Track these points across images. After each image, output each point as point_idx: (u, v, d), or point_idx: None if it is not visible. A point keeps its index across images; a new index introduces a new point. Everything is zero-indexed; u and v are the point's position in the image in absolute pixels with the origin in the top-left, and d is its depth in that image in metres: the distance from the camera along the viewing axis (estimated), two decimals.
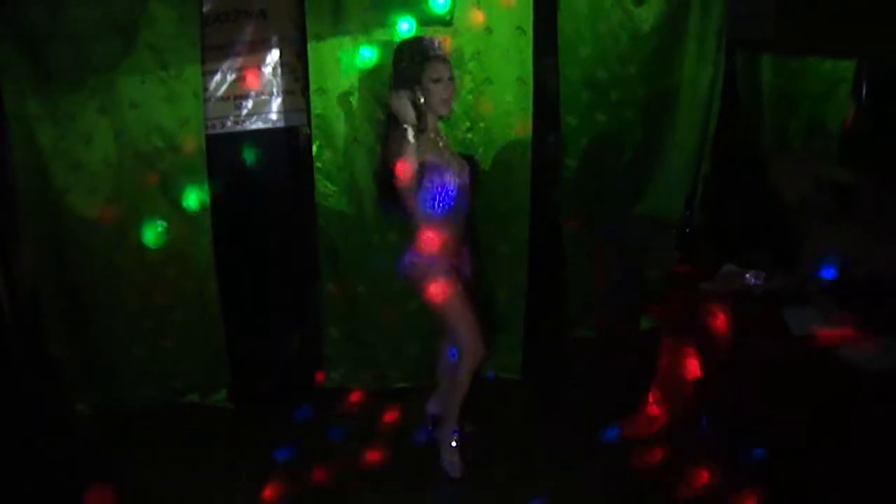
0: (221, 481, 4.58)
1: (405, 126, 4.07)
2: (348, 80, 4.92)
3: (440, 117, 4.33)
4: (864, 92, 5.89)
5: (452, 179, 4.23)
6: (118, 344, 5.23)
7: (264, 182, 5.32)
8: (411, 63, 4.16)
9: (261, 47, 5.14)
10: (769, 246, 4.74)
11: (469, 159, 4.53)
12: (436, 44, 4.21)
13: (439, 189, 4.19)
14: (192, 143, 4.97)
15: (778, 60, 5.87)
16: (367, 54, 4.81)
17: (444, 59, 4.21)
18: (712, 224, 5.15)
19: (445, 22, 4.92)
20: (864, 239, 4.16)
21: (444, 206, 4.22)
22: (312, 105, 4.96)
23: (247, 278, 5.44)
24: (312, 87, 4.93)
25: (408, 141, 4.05)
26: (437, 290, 4.25)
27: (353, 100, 4.94)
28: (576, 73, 5.25)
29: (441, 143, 4.35)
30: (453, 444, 4.56)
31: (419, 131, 4.14)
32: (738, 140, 5.70)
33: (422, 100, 4.16)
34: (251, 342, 5.42)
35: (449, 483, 4.52)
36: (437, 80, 4.17)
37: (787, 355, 3.95)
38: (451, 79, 4.24)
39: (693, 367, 4.52)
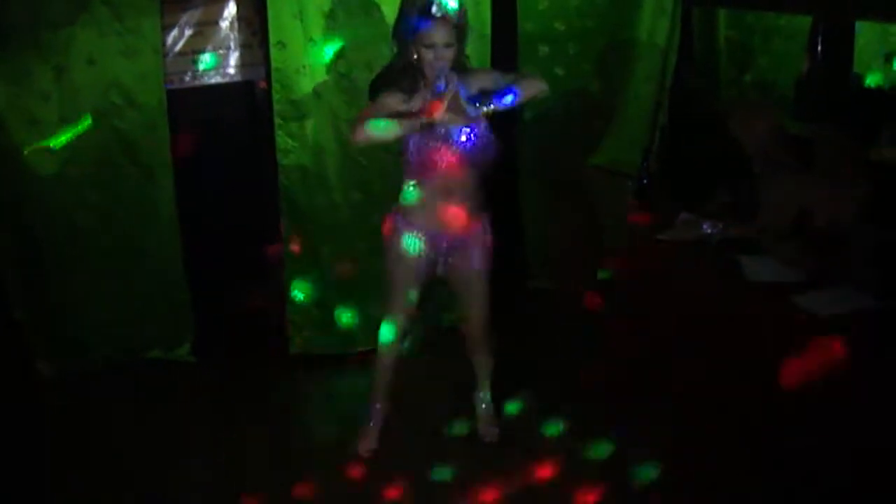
0: (187, 436, 4.62)
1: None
2: (307, 33, 4.90)
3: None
4: (818, 46, 5.97)
5: (434, 137, 3.93)
6: (80, 302, 5.19)
7: (225, 138, 5.31)
8: (407, 20, 3.90)
9: (218, 1, 5.12)
10: (726, 195, 4.81)
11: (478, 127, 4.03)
12: (437, 5, 3.84)
13: (413, 144, 3.94)
14: (151, 98, 4.93)
15: (734, 14, 5.92)
16: (325, 6, 4.79)
17: (443, 21, 3.85)
18: (669, 174, 5.20)
19: None
20: (821, 188, 4.23)
21: (419, 164, 3.99)
22: (272, 59, 4.90)
23: (209, 235, 5.39)
24: (272, 40, 4.86)
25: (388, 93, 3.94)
26: (389, 253, 4.19)
27: (313, 53, 4.91)
28: (533, 26, 5.27)
29: (438, 98, 3.87)
30: (371, 423, 4.50)
31: (407, 90, 3.95)
32: (694, 92, 5.76)
33: (416, 57, 3.91)
34: (214, 298, 5.42)
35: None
36: (428, 46, 3.86)
37: (742, 302, 4.03)
38: (449, 45, 3.88)
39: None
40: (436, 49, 3.85)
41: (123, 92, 4.92)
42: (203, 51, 5.13)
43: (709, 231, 4.49)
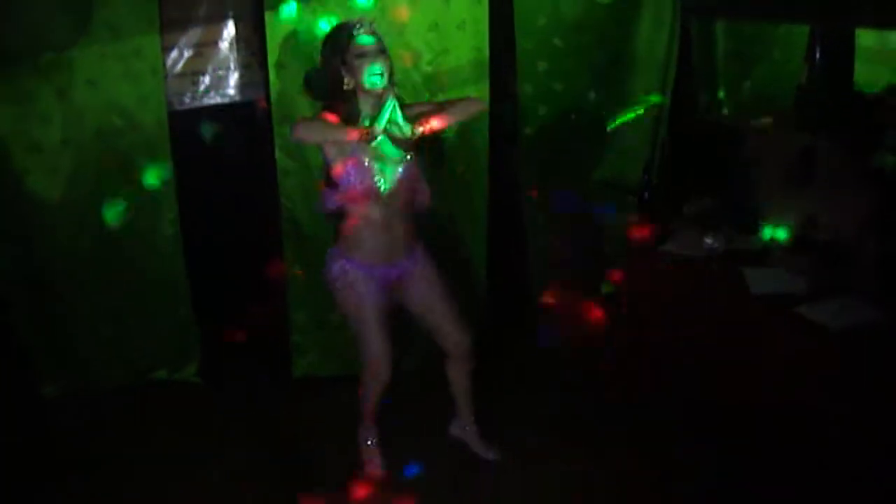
0: (193, 458, 4.62)
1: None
2: (307, 53, 4.90)
3: (402, 103, 4.04)
4: (817, 55, 5.96)
5: (372, 172, 3.99)
6: (85, 324, 5.21)
7: (227, 158, 5.32)
8: (336, 43, 3.97)
9: (218, 23, 5.15)
10: (728, 208, 4.81)
11: (409, 163, 4.10)
12: (361, 23, 3.98)
13: (352, 181, 3.98)
14: (152, 120, 4.95)
15: (732, 25, 5.92)
16: (325, 26, 4.80)
17: (371, 34, 3.97)
18: (670, 187, 5.20)
19: None
20: (823, 199, 4.23)
21: (358, 201, 4.03)
22: (272, 80, 4.93)
23: (212, 256, 5.42)
24: (271, 61, 4.89)
25: (327, 113, 3.97)
26: (348, 298, 4.18)
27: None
28: (532, 42, 5.26)
29: (377, 132, 3.93)
30: (368, 442, 4.55)
31: (346, 120, 3.95)
32: (694, 104, 5.75)
33: (350, 84, 3.93)
34: (218, 319, 5.44)
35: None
36: (361, 55, 3.90)
37: (748, 314, 4.02)
38: (381, 52, 3.95)
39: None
40: (369, 57, 3.90)
41: (124, 114, 4.94)
42: (203, 72, 5.14)
43: (711, 244, 4.49)
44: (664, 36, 5.43)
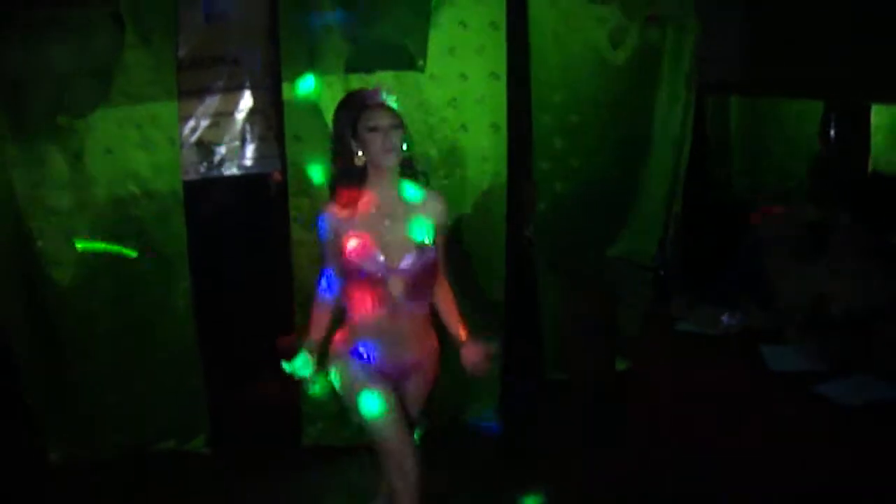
0: None
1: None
2: (324, 127, 4.92)
3: (404, 173, 3.65)
4: (831, 131, 5.99)
5: (378, 265, 3.55)
6: (94, 391, 5.16)
7: (241, 228, 5.33)
8: (348, 114, 3.57)
9: (235, 93, 5.18)
10: (744, 285, 4.79)
11: (423, 249, 3.62)
12: (375, 93, 3.60)
13: (355, 274, 3.58)
14: (166, 189, 4.96)
15: (746, 102, 5.96)
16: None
17: (382, 107, 3.55)
18: (686, 264, 5.19)
19: (419, 68, 4.96)
20: (838, 276, 4.21)
21: (363, 299, 3.61)
22: (288, 152, 4.96)
23: (224, 325, 5.42)
24: (287, 133, 4.94)
25: (324, 212, 3.64)
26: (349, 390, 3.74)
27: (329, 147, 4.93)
28: (548, 118, 5.30)
29: (386, 219, 3.61)
30: None
31: (347, 206, 3.58)
32: (709, 180, 5.77)
33: (360, 154, 3.52)
34: (229, 390, 5.41)
35: None
36: (373, 129, 3.49)
37: (767, 392, 3.99)
38: (396, 127, 3.52)
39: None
40: (381, 132, 3.50)
41: (139, 182, 4.96)
42: (219, 142, 5.16)
43: (728, 321, 4.46)
44: (679, 112, 5.47)
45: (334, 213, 3.60)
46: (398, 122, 3.56)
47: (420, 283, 3.65)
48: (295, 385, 5.20)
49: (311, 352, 3.81)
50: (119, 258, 4.99)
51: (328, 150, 3.75)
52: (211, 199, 5.23)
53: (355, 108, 3.57)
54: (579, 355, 5.61)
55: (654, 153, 5.54)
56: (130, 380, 5.20)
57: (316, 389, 4.01)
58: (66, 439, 5.24)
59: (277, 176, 5.22)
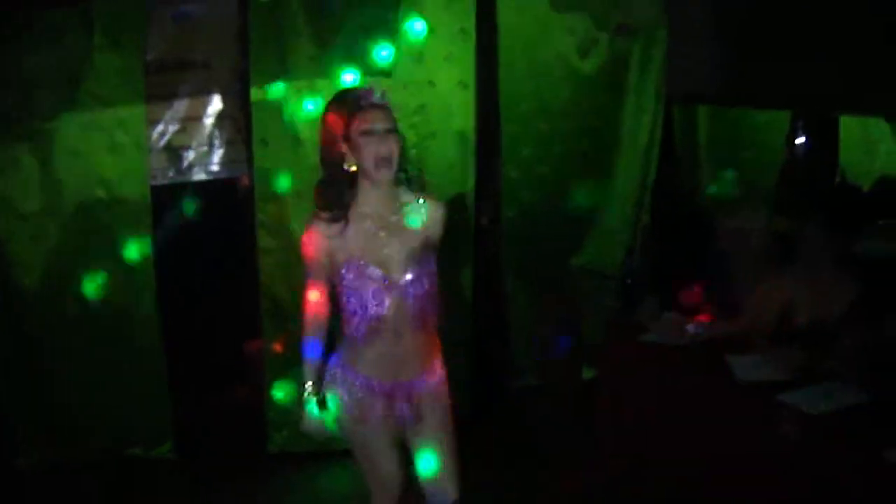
0: None
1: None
2: (291, 132, 4.93)
3: (398, 179, 3.27)
4: (800, 140, 6.03)
5: (378, 283, 3.22)
6: (63, 397, 5.15)
7: (208, 234, 5.31)
8: (338, 115, 3.19)
9: (204, 97, 5.15)
10: (712, 294, 4.80)
11: (423, 262, 3.31)
12: (369, 92, 3.21)
13: (354, 297, 3.24)
14: (134, 194, 4.95)
15: (714, 111, 5.99)
16: (310, 105, 4.84)
17: (377, 108, 3.18)
18: (653, 273, 5.20)
19: (386, 74, 4.94)
20: (805, 286, 4.23)
21: (361, 317, 3.24)
22: (255, 157, 4.96)
23: (191, 331, 5.39)
24: (255, 138, 4.94)
25: (311, 226, 3.26)
26: (351, 427, 3.41)
27: (297, 152, 4.94)
28: (517, 127, 5.32)
29: (382, 232, 3.26)
30: None
31: (337, 219, 3.22)
32: (676, 189, 5.78)
33: (353, 166, 3.17)
34: (195, 396, 5.37)
35: None
36: (367, 133, 3.12)
37: (731, 401, 4.00)
38: (391, 131, 3.17)
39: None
40: (375, 136, 3.14)
41: (107, 186, 4.95)
42: (188, 147, 5.14)
43: (694, 331, 4.47)
44: (647, 122, 5.49)
45: (323, 229, 3.23)
46: (394, 126, 3.21)
47: (422, 298, 3.29)
48: (260, 392, 5.26)
49: (316, 392, 3.44)
50: (87, 263, 4.96)
51: (315, 154, 3.35)
52: (178, 203, 5.19)
53: (347, 108, 3.18)
54: (547, 361, 5.64)
55: (622, 162, 5.56)
56: (98, 386, 5.18)
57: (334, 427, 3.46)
58: (33, 445, 5.22)
59: (245, 180, 5.19)
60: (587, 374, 5.40)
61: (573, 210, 5.57)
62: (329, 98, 3.36)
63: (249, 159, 5.08)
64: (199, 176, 5.18)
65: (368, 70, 4.90)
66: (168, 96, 5.10)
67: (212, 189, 5.24)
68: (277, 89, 4.92)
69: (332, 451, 5.17)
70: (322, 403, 3.43)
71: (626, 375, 4.66)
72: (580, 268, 5.59)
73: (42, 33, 4.76)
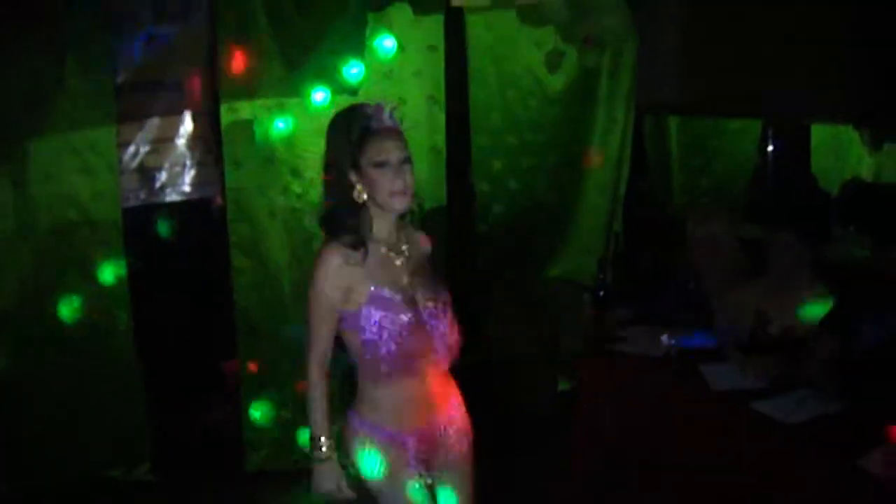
0: None
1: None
2: (263, 152, 4.94)
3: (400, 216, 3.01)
4: (769, 148, 6.07)
5: (407, 315, 2.91)
6: (38, 420, 5.07)
7: (182, 254, 5.31)
8: (346, 140, 2.86)
9: (175, 118, 5.15)
10: (684, 304, 4.82)
11: (440, 292, 3.06)
12: (379, 111, 2.89)
13: (382, 332, 2.89)
14: (107, 215, 4.94)
15: (685, 121, 6.02)
16: (281, 125, 4.86)
17: (392, 132, 2.88)
18: (626, 284, 5.21)
19: (353, 91, 4.95)
20: (776, 294, 4.26)
21: (388, 356, 2.89)
22: (227, 178, 4.97)
23: (167, 352, 5.37)
24: (227, 159, 4.94)
25: (328, 254, 2.88)
26: (378, 486, 3.03)
27: (269, 172, 4.96)
28: (486, 140, 5.34)
29: (398, 261, 3.00)
30: None
31: (357, 245, 2.88)
32: (648, 199, 5.81)
33: (363, 195, 2.87)
34: (172, 417, 5.36)
35: None
36: (380, 165, 2.81)
37: (706, 411, 4.01)
38: (406, 160, 2.87)
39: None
40: (390, 168, 2.83)
41: (79, 208, 4.92)
42: (160, 168, 5.14)
43: (668, 342, 4.48)
44: (617, 133, 5.52)
45: (344, 257, 2.87)
46: (408, 153, 2.90)
47: (446, 329, 2.99)
48: (237, 411, 5.26)
49: (332, 451, 3.02)
50: (61, 285, 4.94)
51: (320, 178, 3.00)
52: (151, 225, 5.19)
53: (355, 133, 2.84)
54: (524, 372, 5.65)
55: (593, 173, 5.59)
56: (74, 408, 5.12)
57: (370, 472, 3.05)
58: (10, 469, 5.14)
59: (219, 201, 5.20)
60: (563, 385, 5.42)
61: (545, 222, 5.59)
62: (333, 116, 3.02)
63: (221, 180, 5.08)
64: (171, 197, 5.18)
65: (339, 88, 4.91)
66: (139, 118, 5.09)
67: (185, 210, 5.24)
68: (248, 109, 4.93)
69: (309, 470, 5.23)
70: (341, 464, 3.04)
71: (601, 387, 4.67)
72: (554, 279, 5.61)
73: (12, 56, 4.74)
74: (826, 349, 3.94)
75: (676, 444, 4.10)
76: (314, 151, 4.94)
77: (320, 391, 2.98)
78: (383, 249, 2.96)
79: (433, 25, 5.11)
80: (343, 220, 2.90)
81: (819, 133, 6.35)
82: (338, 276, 2.86)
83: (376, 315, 2.87)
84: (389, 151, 2.82)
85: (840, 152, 6.53)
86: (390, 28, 5.02)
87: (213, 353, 5.35)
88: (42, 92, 4.80)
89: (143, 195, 5.15)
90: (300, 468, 5.08)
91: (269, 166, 4.94)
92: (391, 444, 3.00)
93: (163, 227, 5.21)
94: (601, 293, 4.93)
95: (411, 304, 2.93)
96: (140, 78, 5.07)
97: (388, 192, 2.84)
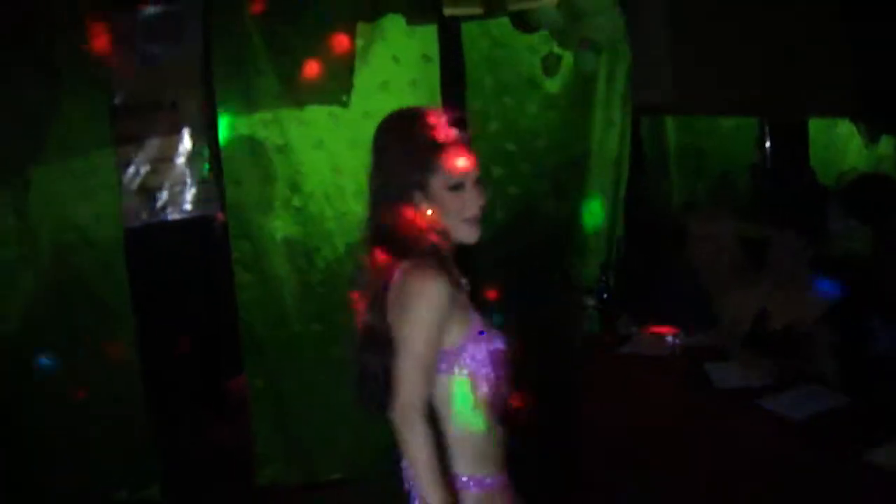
0: None
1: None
2: (261, 168, 4.96)
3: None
4: (767, 146, 6.06)
5: (496, 352, 2.44)
6: (44, 446, 5.09)
7: (185, 272, 5.32)
8: (409, 157, 2.39)
9: (173, 137, 5.19)
10: (687, 304, 4.82)
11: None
12: (444, 117, 2.47)
13: (481, 369, 2.41)
14: (108, 237, 4.95)
15: (682, 120, 6.01)
16: (279, 140, 4.86)
17: (464, 146, 2.46)
18: (629, 286, 5.21)
19: (342, 103, 4.99)
20: (778, 291, 4.26)
21: (491, 394, 2.43)
22: (227, 195, 4.98)
23: (172, 370, 5.38)
24: (226, 176, 4.96)
25: (437, 275, 2.34)
26: None
27: (268, 188, 4.97)
28: (485, 147, 5.32)
29: (462, 288, 2.51)
30: None
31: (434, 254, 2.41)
32: (648, 201, 5.80)
33: (429, 215, 2.41)
34: (180, 436, 5.37)
35: None
36: (456, 188, 2.40)
37: (711, 409, 4.01)
38: (480, 181, 2.49)
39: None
40: (468, 191, 2.44)
41: (80, 231, 4.94)
42: (161, 187, 5.16)
43: (672, 342, 4.49)
44: (615, 136, 5.49)
45: (451, 289, 2.36)
46: (478, 170, 2.49)
47: (510, 366, 2.52)
48: (245, 427, 5.26)
49: None
50: (64, 308, 4.95)
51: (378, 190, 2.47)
52: (153, 244, 5.20)
53: (424, 145, 2.39)
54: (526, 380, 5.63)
55: (593, 177, 5.56)
56: (80, 431, 5.12)
57: None
58: (18, 492, 5.14)
59: (221, 217, 5.21)
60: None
61: (547, 228, 5.59)
62: (381, 124, 2.54)
63: (222, 196, 5.09)
64: (172, 216, 5.21)
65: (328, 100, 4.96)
66: (138, 138, 5.14)
67: (187, 228, 5.26)
68: (245, 125, 4.94)
69: (320, 483, 5.25)
70: None
71: (606, 389, 4.68)
72: (557, 284, 5.60)
73: (6, 81, 4.76)
74: (829, 344, 3.95)
75: (682, 443, 4.11)
76: (311, 165, 4.98)
77: (432, 445, 2.31)
78: (449, 275, 2.41)
79: (427, 36, 5.12)
80: (417, 238, 2.40)
81: (813, 126, 6.36)
82: (449, 304, 2.34)
83: (471, 353, 2.39)
84: (466, 171, 2.42)
85: (830, 146, 6.53)
86: (384, 39, 5.05)
87: (220, 370, 5.35)
88: (39, 116, 4.81)
89: (144, 215, 5.18)
90: (311, 482, 5.19)
91: (268, 181, 4.96)
92: (500, 491, 2.55)
93: (165, 247, 5.21)
94: (605, 296, 4.94)
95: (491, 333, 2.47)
96: (136, 99, 5.11)
97: (463, 219, 2.44)
